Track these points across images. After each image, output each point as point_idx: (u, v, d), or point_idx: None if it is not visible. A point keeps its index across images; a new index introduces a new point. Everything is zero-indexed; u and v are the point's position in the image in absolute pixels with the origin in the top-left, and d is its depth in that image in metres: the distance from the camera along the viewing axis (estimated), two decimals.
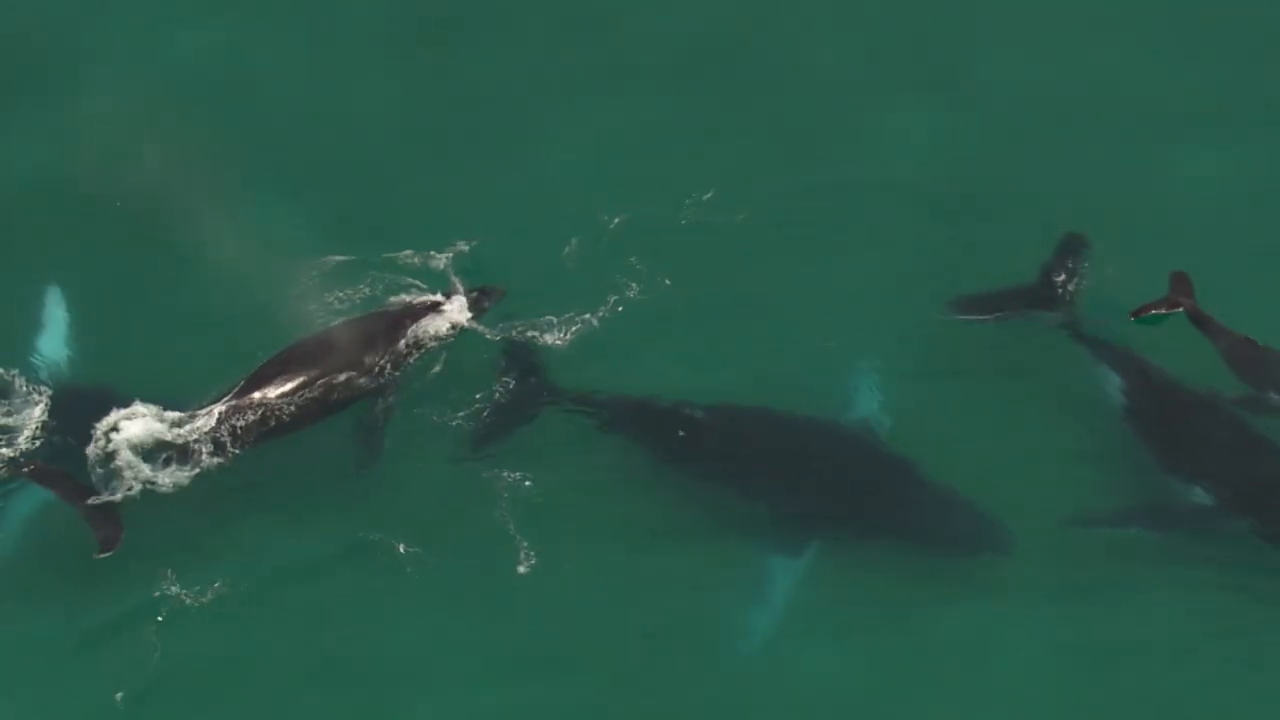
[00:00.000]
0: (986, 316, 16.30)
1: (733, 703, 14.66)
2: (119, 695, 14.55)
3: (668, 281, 16.80)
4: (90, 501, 14.94)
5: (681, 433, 15.61)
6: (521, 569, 15.12)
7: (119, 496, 14.99)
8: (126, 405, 15.35)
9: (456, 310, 16.22)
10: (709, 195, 17.41)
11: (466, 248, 16.82)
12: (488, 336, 16.24)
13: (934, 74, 18.53)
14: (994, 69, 18.51)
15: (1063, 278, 16.40)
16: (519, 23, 19.03)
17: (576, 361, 16.28)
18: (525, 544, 15.22)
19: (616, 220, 17.23)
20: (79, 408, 15.48)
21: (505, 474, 15.59)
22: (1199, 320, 16.00)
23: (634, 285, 16.71)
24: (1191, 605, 14.96)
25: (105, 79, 18.19)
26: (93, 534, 14.86)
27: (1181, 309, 16.08)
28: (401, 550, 15.19)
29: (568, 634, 14.96)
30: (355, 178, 17.79)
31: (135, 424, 15.20)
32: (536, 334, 16.28)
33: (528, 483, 15.52)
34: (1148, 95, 18.27)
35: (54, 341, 16.21)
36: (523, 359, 16.18)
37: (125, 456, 15.12)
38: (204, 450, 15.27)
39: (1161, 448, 15.46)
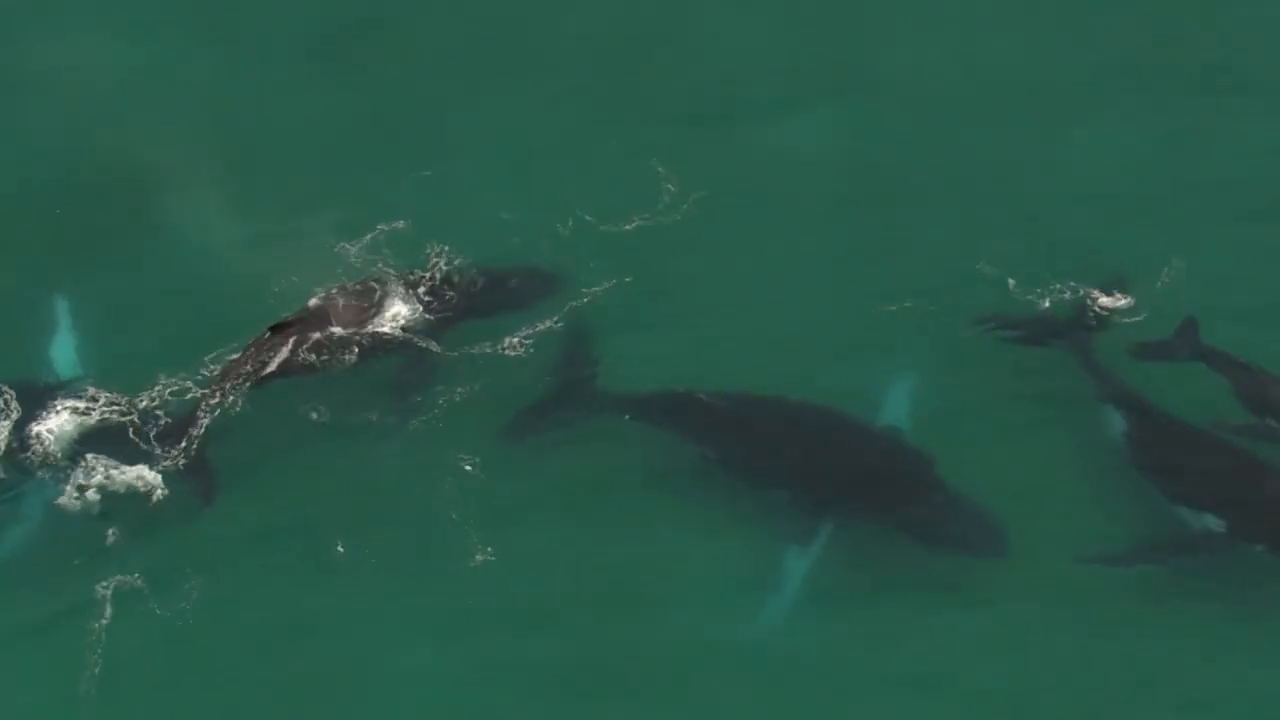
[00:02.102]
0: (1008, 333, 16.31)
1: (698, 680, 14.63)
2: (82, 685, 14.50)
3: (629, 279, 16.72)
4: (185, 463, 15.31)
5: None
6: (478, 559, 15.03)
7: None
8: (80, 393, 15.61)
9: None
10: (662, 193, 17.31)
11: (414, 246, 16.79)
12: (436, 350, 16.08)
13: (845, 66, 18.60)
14: (901, 61, 18.64)
15: (1095, 311, 16.32)
16: (438, 29, 19.01)
17: (541, 364, 16.17)
18: (481, 534, 15.13)
19: (570, 223, 17.12)
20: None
21: (460, 464, 15.52)
22: (1204, 355, 15.96)
23: (596, 287, 16.59)
24: (1190, 621, 14.90)
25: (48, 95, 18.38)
26: (197, 491, 15.28)
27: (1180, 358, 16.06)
28: (358, 542, 15.16)
29: (529, 612, 14.95)
30: (302, 181, 17.73)
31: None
32: (498, 342, 16.16)
33: (484, 474, 15.44)
34: (1042, 78, 18.45)
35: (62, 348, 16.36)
36: (578, 359, 16.09)
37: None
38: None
39: (1168, 481, 15.33)
